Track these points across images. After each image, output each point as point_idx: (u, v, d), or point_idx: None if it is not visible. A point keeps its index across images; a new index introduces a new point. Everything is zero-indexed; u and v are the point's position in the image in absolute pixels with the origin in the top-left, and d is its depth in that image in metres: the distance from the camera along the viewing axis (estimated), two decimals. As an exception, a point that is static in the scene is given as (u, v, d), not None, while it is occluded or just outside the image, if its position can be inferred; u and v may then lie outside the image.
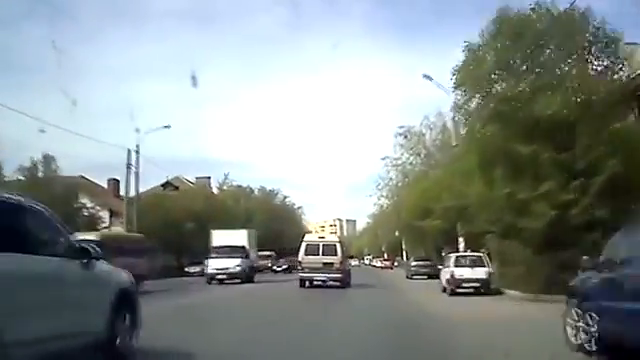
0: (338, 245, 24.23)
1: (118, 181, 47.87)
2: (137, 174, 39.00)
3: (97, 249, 6.12)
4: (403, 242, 70.91)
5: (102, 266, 6.32)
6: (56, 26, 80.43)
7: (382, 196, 48.67)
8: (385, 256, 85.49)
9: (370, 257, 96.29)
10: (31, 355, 4.68)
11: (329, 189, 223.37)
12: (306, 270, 23.49)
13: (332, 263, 23.23)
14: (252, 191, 75.65)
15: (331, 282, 22.93)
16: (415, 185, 36.61)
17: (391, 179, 43.95)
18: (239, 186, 70.55)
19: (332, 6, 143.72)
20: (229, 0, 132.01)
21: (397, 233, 68.82)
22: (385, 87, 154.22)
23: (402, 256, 75.08)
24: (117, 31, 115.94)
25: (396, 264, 76.12)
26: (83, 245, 6.00)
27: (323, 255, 23.33)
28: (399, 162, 40.90)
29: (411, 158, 40.06)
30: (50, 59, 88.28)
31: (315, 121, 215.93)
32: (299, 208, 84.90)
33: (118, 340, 6.20)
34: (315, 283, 23.26)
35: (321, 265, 23.17)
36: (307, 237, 26.20)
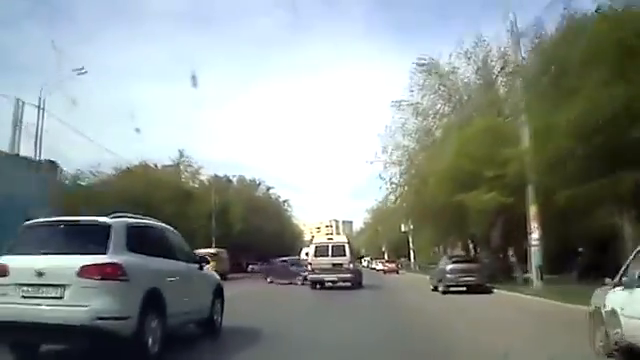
0: (346, 246, 24.10)
1: (55, 163, 37.91)
2: (39, 138, 27.94)
3: (207, 258, 10.42)
4: (411, 239, 58.46)
5: (206, 269, 9.54)
6: (55, 26, 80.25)
7: (391, 163, 28.82)
8: (386, 257, 72.04)
9: (368, 259, 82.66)
10: (175, 323, 7.51)
11: (327, 192, 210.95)
12: (316, 271, 23.75)
13: (341, 264, 23.44)
14: (230, 181, 63.65)
15: (341, 282, 23.35)
16: (446, 140, 23.33)
17: (406, 135, 27.86)
18: (216, 176, 58.46)
19: (331, 7, 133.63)
20: (228, 2, 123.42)
21: (403, 228, 56.39)
22: (384, 89, 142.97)
23: (409, 257, 62.53)
24: (116, 31, 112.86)
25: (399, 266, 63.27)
26: (200, 255, 9.98)
27: (332, 256, 23.58)
28: (419, 109, 26.74)
29: (438, 105, 26.30)
30: (49, 59, 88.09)
31: (314, 123, 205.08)
32: (285, 202, 71.50)
33: (215, 318, 9.29)
34: (326, 285, 23.33)
35: (330, 266, 23.44)
36: (316, 239, 27.65)
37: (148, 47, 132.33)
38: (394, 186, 28.25)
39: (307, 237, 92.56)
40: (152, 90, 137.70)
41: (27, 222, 7.05)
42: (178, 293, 7.46)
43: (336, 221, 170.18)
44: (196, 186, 52.62)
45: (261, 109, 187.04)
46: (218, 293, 9.44)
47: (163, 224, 8.55)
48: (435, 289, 21.84)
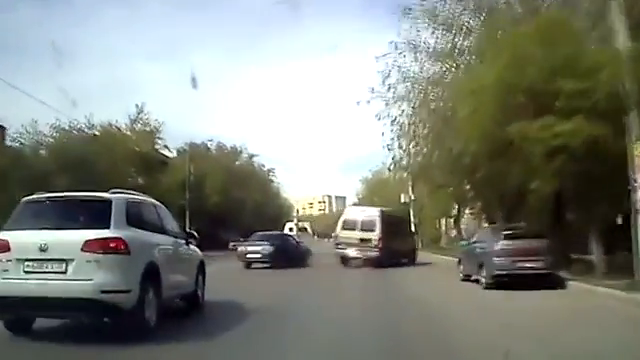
0: (377, 220, 22.60)
1: (4, 128, 33.46)
2: None
3: (195, 234, 9.97)
4: (412, 212, 51.47)
5: (192, 244, 9.50)
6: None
7: (396, 99, 19.54)
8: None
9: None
10: (168, 296, 7.61)
11: (318, 168, 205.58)
12: (342, 246, 22.86)
13: (370, 239, 22.08)
14: (208, 149, 56.95)
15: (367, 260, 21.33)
16: (485, 55, 15.03)
17: (419, 56, 18.91)
18: (193, 143, 51.55)
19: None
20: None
21: (403, 198, 49.39)
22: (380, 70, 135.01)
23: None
24: (113, 11, 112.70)
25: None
26: (187, 231, 10.47)
27: (361, 230, 22.47)
28: (436, 18, 18.01)
29: (462, 16, 17.69)
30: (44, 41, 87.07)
31: (303, 100, 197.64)
32: (270, 171, 63.85)
33: (199, 292, 9.44)
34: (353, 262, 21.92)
35: (357, 241, 22.28)
36: (348, 210, 27.62)
37: (143, 28, 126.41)
38: (400, 129, 19.66)
39: (299, 212, 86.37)
40: (146, 69, 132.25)
41: (26, 197, 7.08)
42: (171, 267, 7.70)
43: (329, 197, 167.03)
44: (158, 149, 45.34)
45: (251, 88, 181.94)
46: (201, 268, 9.70)
47: (154, 200, 8.72)
48: (467, 278, 14.68)
